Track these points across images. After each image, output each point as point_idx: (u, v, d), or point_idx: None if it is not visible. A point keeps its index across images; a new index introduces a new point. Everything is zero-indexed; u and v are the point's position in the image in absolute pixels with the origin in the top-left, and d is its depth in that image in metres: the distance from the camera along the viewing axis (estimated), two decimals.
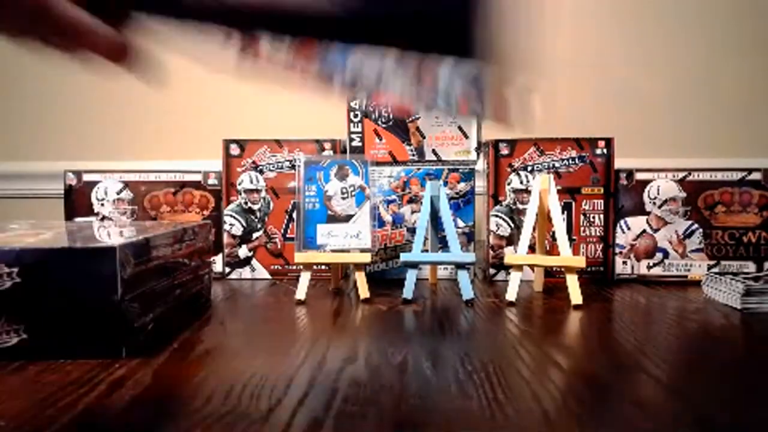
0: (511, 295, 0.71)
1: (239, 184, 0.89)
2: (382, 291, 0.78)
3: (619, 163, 0.87)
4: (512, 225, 0.88)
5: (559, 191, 0.80)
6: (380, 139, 0.85)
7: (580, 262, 0.71)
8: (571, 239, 0.86)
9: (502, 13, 0.28)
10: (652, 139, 1.15)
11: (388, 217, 0.87)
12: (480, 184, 0.90)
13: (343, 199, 0.76)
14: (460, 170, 0.86)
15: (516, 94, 0.30)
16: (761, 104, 1.15)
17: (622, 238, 0.87)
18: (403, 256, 0.74)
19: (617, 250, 0.87)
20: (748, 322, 0.63)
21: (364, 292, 0.73)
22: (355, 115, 0.85)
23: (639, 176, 0.87)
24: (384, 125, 0.85)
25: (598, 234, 0.87)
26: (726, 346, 0.55)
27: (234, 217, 0.90)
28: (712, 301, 0.73)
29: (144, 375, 0.45)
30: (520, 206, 0.87)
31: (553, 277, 0.84)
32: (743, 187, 0.85)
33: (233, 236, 0.90)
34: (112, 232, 0.61)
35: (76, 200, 0.91)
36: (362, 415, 0.37)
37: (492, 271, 0.88)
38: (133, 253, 0.51)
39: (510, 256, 0.74)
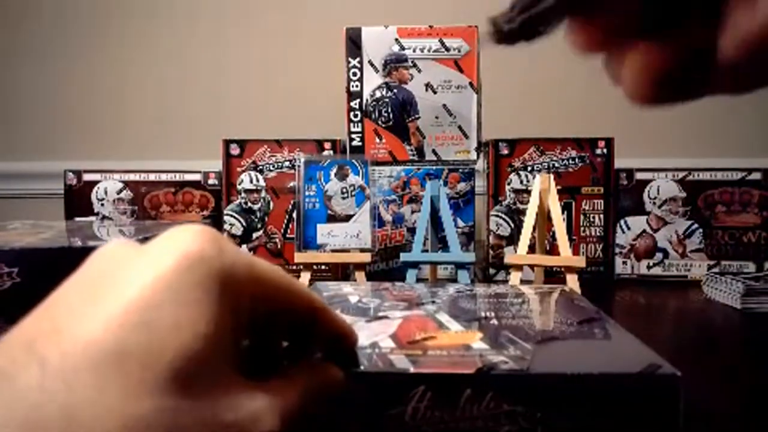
0: None
1: (239, 184, 0.89)
2: None
3: (619, 163, 0.87)
4: (512, 225, 0.88)
5: (559, 191, 0.79)
6: (380, 139, 0.85)
7: (580, 262, 0.71)
8: (571, 239, 0.86)
9: None
10: (652, 139, 1.15)
11: (388, 217, 0.87)
12: (480, 184, 0.90)
13: (343, 198, 0.76)
14: (460, 170, 0.86)
15: None
16: (761, 104, 1.15)
17: (622, 238, 0.87)
18: (403, 256, 0.74)
19: (617, 250, 0.87)
20: (748, 322, 0.63)
21: None
22: (355, 115, 0.85)
23: (639, 176, 0.87)
24: (384, 125, 0.85)
25: (598, 234, 0.87)
26: (726, 346, 0.55)
27: (234, 217, 0.90)
28: (712, 301, 0.73)
29: None
30: (520, 206, 0.87)
31: (553, 277, 0.84)
32: (743, 187, 0.85)
33: (233, 236, 0.90)
34: (112, 231, 0.61)
35: (76, 200, 0.91)
36: None
37: (492, 270, 0.88)
38: None
39: (510, 255, 0.74)
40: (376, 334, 0.35)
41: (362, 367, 0.29)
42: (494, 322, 0.38)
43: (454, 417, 0.28)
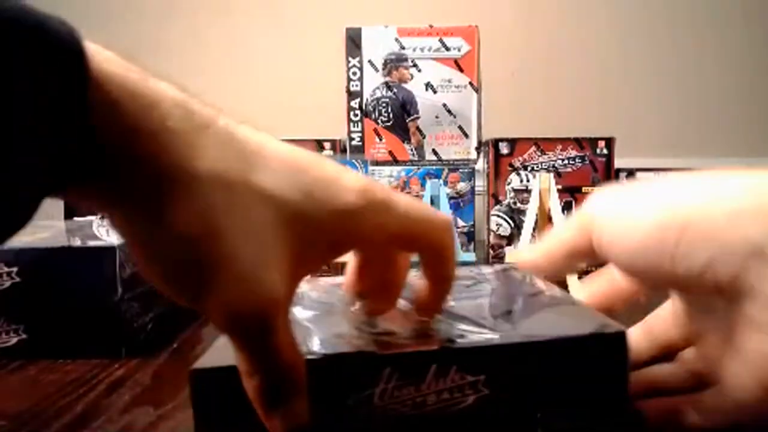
0: None
1: None
2: None
3: (619, 162, 0.87)
4: (512, 224, 0.88)
5: (559, 191, 0.79)
6: (380, 139, 0.85)
7: None
8: None
9: None
10: (652, 139, 1.15)
11: None
12: (480, 183, 0.90)
13: None
14: (460, 170, 0.86)
15: None
16: (761, 104, 1.15)
17: None
18: None
19: None
20: None
21: None
22: (355, 115, 0.85)
23: (639, 176, 0.87)
24: (384, 125, 0.85)
25: None
26: None
27: None
28: None
29: (144, 375, 0.45)
30: (521, 206, 0.87)
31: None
32: None
33: None
34: (112, 231, 0.61)
35: None
36: None
37: None
38: None
39: (510, 255, 0.74)
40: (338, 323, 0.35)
41: (328, 352, 0.29)
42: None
43: (421, 392, 0.29)
